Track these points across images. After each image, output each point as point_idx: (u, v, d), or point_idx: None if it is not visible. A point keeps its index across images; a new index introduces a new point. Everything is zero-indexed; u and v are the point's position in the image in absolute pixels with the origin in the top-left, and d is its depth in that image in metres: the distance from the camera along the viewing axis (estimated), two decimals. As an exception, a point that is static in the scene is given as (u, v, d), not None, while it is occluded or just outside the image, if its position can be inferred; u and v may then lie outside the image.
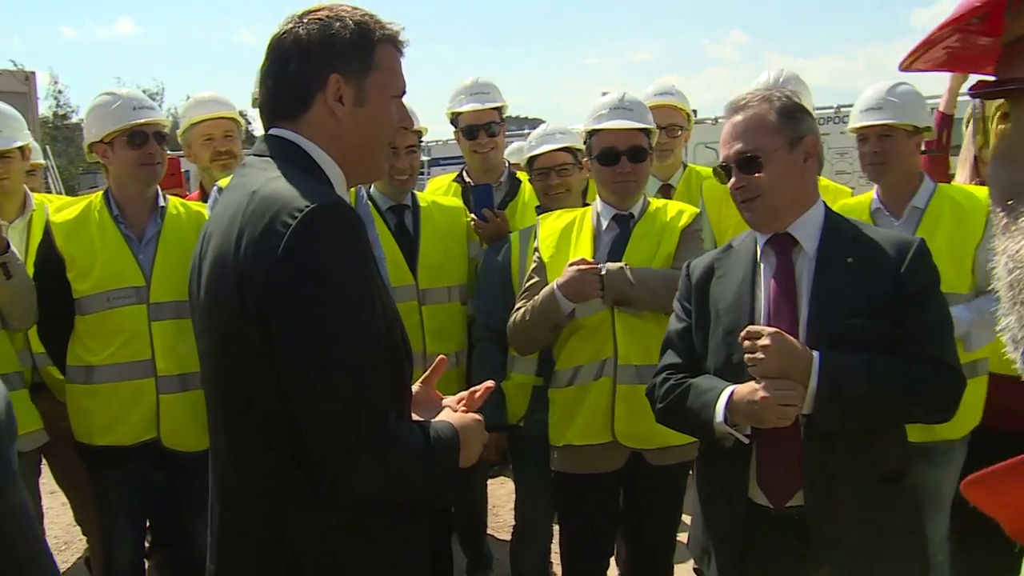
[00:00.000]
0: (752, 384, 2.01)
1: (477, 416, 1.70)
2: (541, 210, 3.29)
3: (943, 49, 0.70)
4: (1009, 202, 0.59)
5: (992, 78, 0.67)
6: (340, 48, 1.61)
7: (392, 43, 1.67)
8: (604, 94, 3.09)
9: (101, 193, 3.16)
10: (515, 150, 5.18)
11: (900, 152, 3.07)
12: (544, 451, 2.99)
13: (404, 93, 1.72)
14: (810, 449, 2.04)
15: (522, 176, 3.81)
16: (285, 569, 1.55)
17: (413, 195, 3.52)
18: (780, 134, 2.11)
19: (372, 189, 3.48)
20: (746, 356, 2.01)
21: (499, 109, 3.80)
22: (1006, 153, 0.62)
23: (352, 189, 2.82)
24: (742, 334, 2.03)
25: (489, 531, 4.29)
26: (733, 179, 2.15)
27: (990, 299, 2.47)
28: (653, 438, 2.75)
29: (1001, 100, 0.64)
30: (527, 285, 2.95)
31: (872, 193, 3.20)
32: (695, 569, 2.34)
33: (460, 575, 3.98)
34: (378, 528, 1.60)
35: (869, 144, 3.11)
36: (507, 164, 3.93)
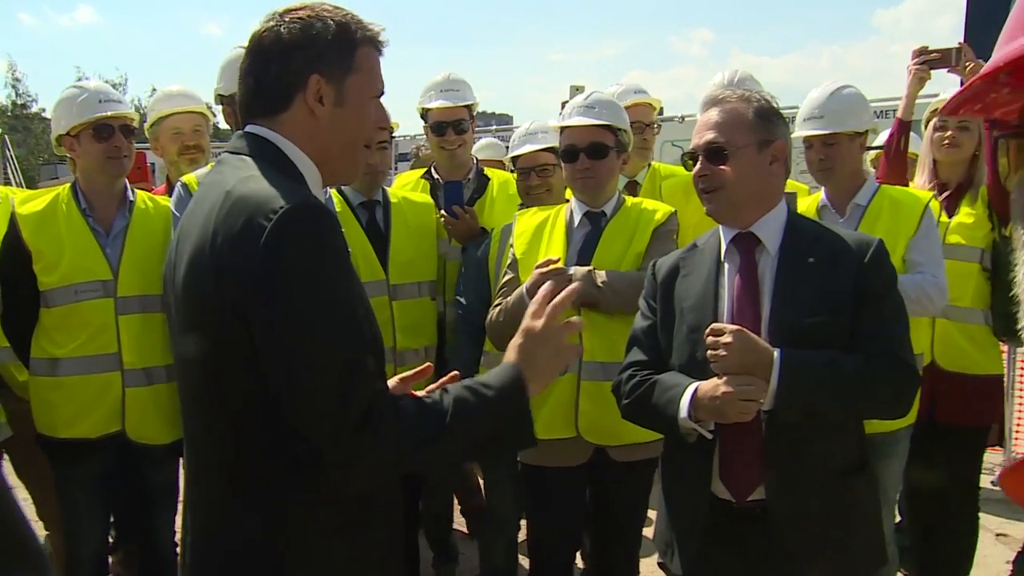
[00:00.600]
0: (715, 380, 2.06)
1: (524, 324, 1.67)
2: (523, 208, 3.30)
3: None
4: None
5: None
6: (322, 48, 1.61)
7: (372, 44, 1.68)
8: (576, 89, 3.12)
9: (69, 186, 3.14)
10: (483, 146, 5.19)
11: (844, 156, 3.21)
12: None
13: (383, 94, 1.73)
14: (771, 444, 2.10)
15: (490, 172, 3.84)
16: (265, 565, 1.56)
17: (384, 191, 3.52)
18: (752, 133, 2.17)
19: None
20: (709, 353, 2.06)
21: (469, 107, 3.81)
22: None
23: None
24: (706, 331, 2.07)
25: (455, 526, 4.32)
26: (698, 167, 2.21)
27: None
28: (617, 434, 2.79)
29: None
30: (503, 282, 2.98)
31: (821, 193, 3.33)
32: (660, 564, 2.39)
33: (426, 569, 4.00)
34: (356, 524, 1.61)
35: (814, 151, 3.25)
36: (475, 160, 3.95)
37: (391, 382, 1.79)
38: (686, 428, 2.11)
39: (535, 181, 3.36)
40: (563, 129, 2.97)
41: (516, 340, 1.66)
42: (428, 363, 1.90)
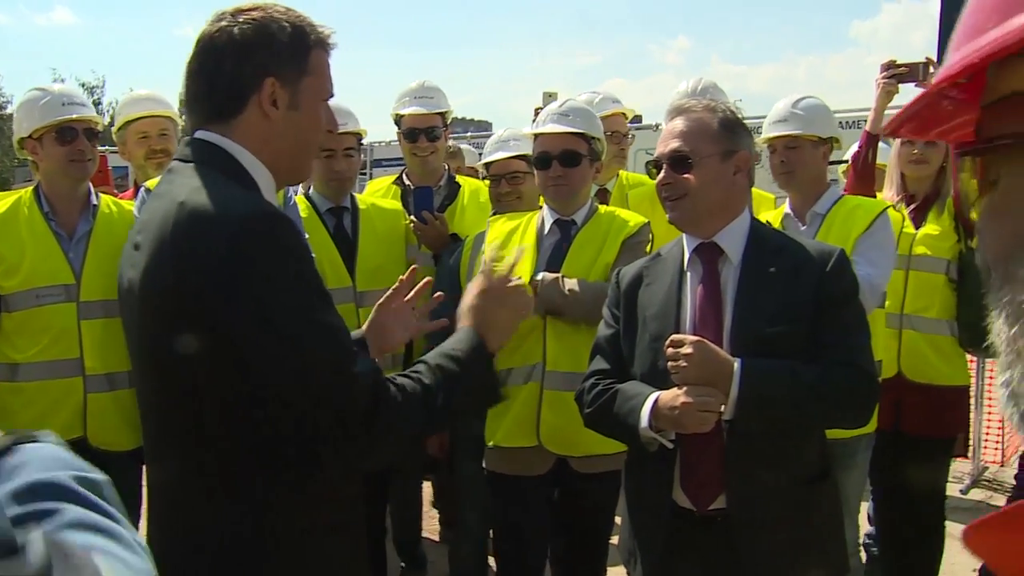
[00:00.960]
0: (675, 390, 2.06)
1: (475, 286, 1.75)
2: (495, 215, 3.30)
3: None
4: (1010, 254, 0.59)
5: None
6: (276, 51, 1.60)
7: (323, 46, 1.68)
8: (549, 96, 3.12)
9: (31, 189, 3.11)
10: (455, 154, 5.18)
11: (805, 161, 3.28)
12: (479, 450, 3.02)
13: (332, 96, 1.73)
14: (731, 453, 2.10)
15: (461, 180, 3.84)
16: (246, 566, 1.55)
17: (352, 197, 3.52)
18: (717, 143, 2.18)
19: (311, 191, 3.48)
20: (669, 364, 2.06)
21: (443, 114, 3.82)
22: (1002, 208, 0.61)
23: (280, 191, 2.84)
24: (666, 342, 2.08)
25: (424, 533, 4.30)
26: (662, 175, 2.21)
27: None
28: (578, 445, 2.79)
29: (981, 156, 0.65)
30: None
31: (786, 204, 3.41)
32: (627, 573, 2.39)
33: (394, 577, 3.99)
34: (319, 529, 1.60)
35: (777, 154, 3.33)
36: (447, 167, 3.95)
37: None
38: (647, 437, 2.12)
39: (506, 188, 3.35)
40: (536, 136, 2.97)
41: (470, 301, 1.70)
42: (428, 278, 2.08)
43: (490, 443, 2.93)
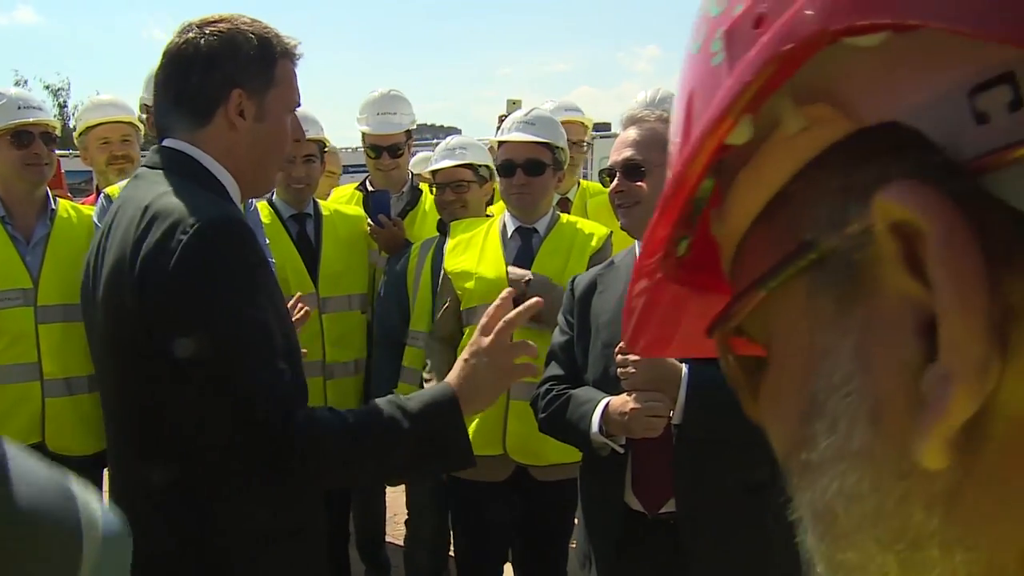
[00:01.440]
0: (624, 396, 2.10)
1: (472, 344, 1.62)
2: (442, 224, 3.34)
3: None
4: (797, 456, 0.37)
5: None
6: (243, 63, 1.62)
7: (289, 57, 1.70)
8: (513, 103, 3.13)
9: (-13, 193, 3.10)
10: (421, 159, 5.20)
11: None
12: None
13: (299, 106, 1.75)
14: (679, 457, 2.14)
15: (424, 186, 3.86)
16: (205, 566, 1.57)
17: (315, 203, 3.54)
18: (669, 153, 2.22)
19: (274, 197, 3.49)
20: (619, 371, 2.10)
21: (406, 130, 3.84)
22: (774, 390, 0.42)
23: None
24: (616, 349, 2.12)
25: (388, 538, 4.31)
26: (615, 183, 2.26)
27: None
28: (541, 455, 2.83)
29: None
30: (441, 311, 3.00)
31: None
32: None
33: (356, 582, 4.00)
34: (275, 535, 1.62)
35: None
36: (410, 175, 3.97)
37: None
38: (598, 443, 2.15)
39: (450, 197, 3.35)
40: (501, 144, 2.99)
41: (463, 355, 1.63)
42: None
43: None
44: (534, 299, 1.71)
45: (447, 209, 3.37)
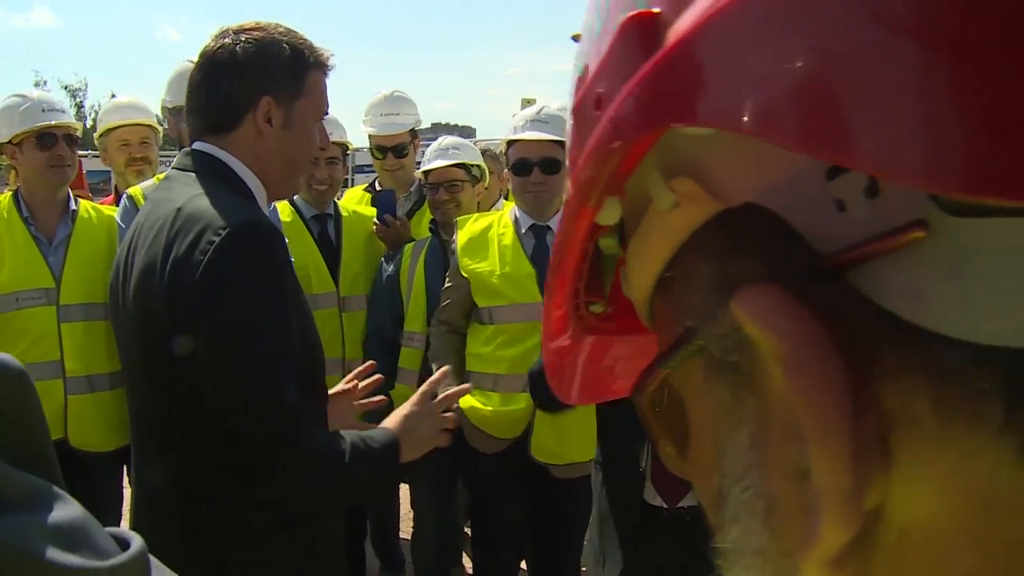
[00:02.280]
0: None
1: (414, 398, 1.74)
2: (434, 223, 3.37)
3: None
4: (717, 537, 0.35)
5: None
6: (274, 71, 1.65)
7: (321, 68, 1.74)
8: (528, 102, 3.13)
9: (10, 194, 3.15)
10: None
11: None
12: (431, 460, 3.08)
13: (326, 115, 1.79)
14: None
15: None
16: (209, 564, 1.59)
17: (335, 205, 3.59)
18: None
19: (296, 197, 3.52)
20: None
21: (411, 130, 3.87)
22: (695, 478, 0.39)
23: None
24: None
25: (403, 535, 4.33)
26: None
27: None
28: (564, 455, 2.87)
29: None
30: (445, 298, 3.03)
31: None
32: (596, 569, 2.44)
33: (372, 578, 4.03)
34: (298, 523, 1.65)
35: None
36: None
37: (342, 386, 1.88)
38: None
39: (443, 196, 3.37)
40: (514, 142, 3.00)
41: (403, 410, 1.72)
42: (378, 376, 1.97)
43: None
44: (465, 385, 1.99)
45: (440, 209, 3.38)
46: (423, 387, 1.75)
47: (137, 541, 0.50)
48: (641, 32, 0.30)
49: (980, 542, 0.25)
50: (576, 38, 0.39)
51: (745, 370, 0.30)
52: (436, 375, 1.81)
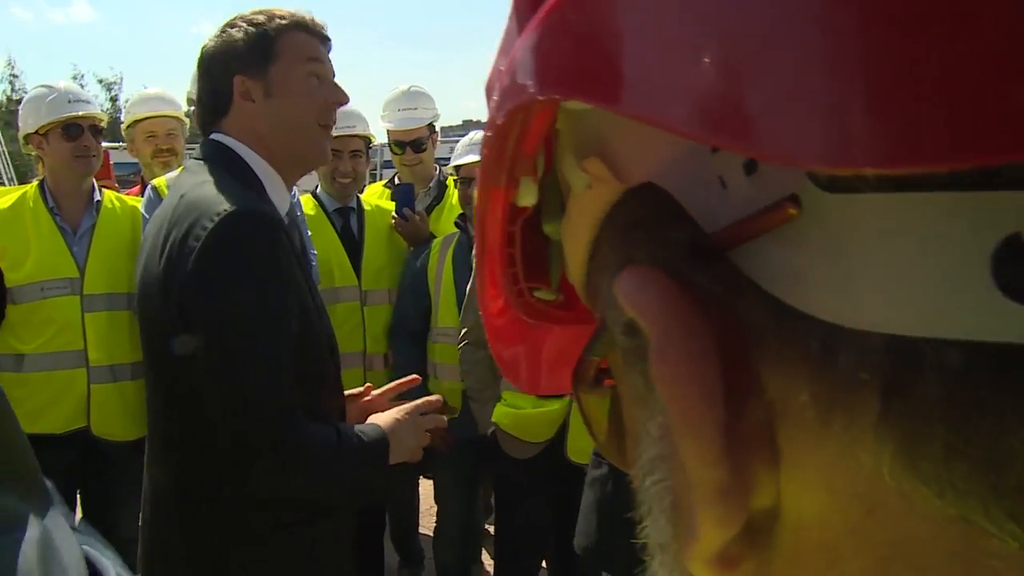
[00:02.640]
0: None
1: (408, 407, 1.73)
2: (463, 218, 3.36)
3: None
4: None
5: None
6: (238, 52, 1.70)
7: (296, 28, 1.74)
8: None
9: (36, 184, 3.19)
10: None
11: None
12: (460, 456, 3.10)
13: (319, 69, 1.75)
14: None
15: (451, 181, 3.90)
16: (209, 564, 1.60)
17: (358, 199, 3.60)
18: None
19: (319, 190, 3.53)
20: None
21: (429, 124, 3.88)
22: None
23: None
24: None
25: (423, 530, 4.33)
26: None
27: None
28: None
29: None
30: (472, 318, 3.00)
31: None
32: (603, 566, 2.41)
33: (392, 573, 4.02)
34: (298, 523, 1.64)
35: None
36: (438, 169, 4.01)
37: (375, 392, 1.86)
38: None
39: (474, 191, 3.35)
40: None
41: (393, 414, 1.71)
42: (415, 376, 1.95)
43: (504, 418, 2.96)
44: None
45: (471, 204, 3.36)
46: (413, 405, 1.74)
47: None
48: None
49: (869, 544, 0.23)
50: None
51: (645, 356, 0.28)
52: (425, 400, 1.78)
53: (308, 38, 1.74)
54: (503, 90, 0.30)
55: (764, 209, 0.23)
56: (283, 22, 1.72)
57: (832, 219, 0.22)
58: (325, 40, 1.78)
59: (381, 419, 1.69)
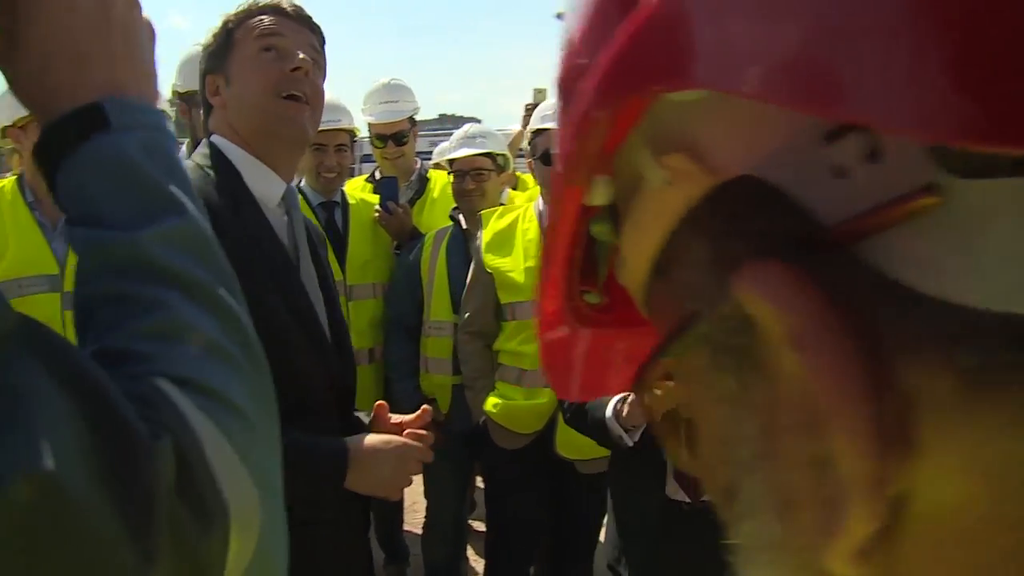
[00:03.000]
0: None
1: (399, 442, 1.65)
2: (456, 211, 3.34)
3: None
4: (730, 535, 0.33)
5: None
6: (208, 53, 1.75)
7: (251, 13, 1.72)
8: (539, 92, 3.08)
9: (15, 179, 3.09)
10: (440, 151, 5.17)
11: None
12: (454, 448, 3.07)
13: (274, 42, 1.69)
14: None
15: (432, 174, 3.88)
16: None
17: (343, 193, 3.55)
18: None
19: (303, 183, 3.48)
20: None
21: (409, 117, 3.85)
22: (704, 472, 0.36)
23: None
24: None
25: (407, 527, 4.31)
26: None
27: None
28: (590, 451, 2.81)
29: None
30: (479, 308, 2.98)
31: None
32: (609, 566, 2.39)
33: (378, 569, 3.99)
34: (296, 525, 1.59)
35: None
36: (419, 163, 3.98)
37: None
38: (614, 432, 2.15)
39: (470, 185, 3.33)
40: (538, 132, 2.92)
41: (379, 439, 1.64)
42: (426, 407, 1.82)
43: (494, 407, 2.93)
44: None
45: (466, 197, 3.34)
46: (403, 442, 1.66)
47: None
48: None
49: (1013, 524, 0.23)
50: (561, 16, 0.38)
51: (751, 354, 0.28)
52: (417, 433, 1.71)
53: (262, 16, 1.71)
54: (603, 84, 0.29)
55: (897, 199, 0.23)
56: (239, 14, 1.73)
57: (966, 205, 0.22)
58: (281, 13, 1.70)
59: (367, 439, 1.63)
